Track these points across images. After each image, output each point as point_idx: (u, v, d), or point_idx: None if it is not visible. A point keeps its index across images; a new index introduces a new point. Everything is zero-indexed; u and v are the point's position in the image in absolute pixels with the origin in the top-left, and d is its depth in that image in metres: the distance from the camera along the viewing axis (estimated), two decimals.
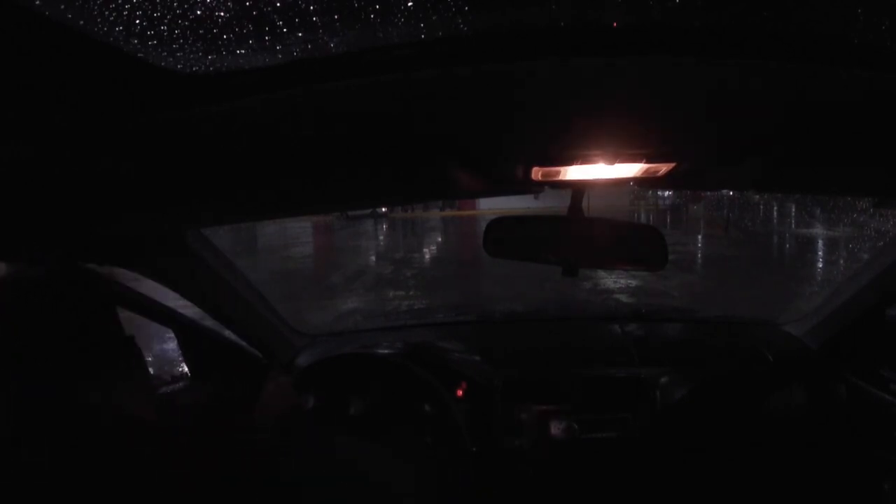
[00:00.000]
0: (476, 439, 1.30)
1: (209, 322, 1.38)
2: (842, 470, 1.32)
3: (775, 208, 14.74)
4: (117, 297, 1.20)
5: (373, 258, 10.64)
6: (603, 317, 1.91)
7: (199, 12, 0.37)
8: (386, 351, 1.51)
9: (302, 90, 0.45)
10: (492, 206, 14.31)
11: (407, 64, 0.43)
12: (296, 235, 13.50)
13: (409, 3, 0.37)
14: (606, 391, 1.46)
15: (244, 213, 0.95)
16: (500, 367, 1.50)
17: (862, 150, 0.64)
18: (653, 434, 1.41)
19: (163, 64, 0.41)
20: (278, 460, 0.85)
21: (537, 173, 0.76)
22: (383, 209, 16.91)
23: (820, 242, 10.16)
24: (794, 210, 13.42)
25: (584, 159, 0.70)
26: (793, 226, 12.72)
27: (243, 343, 1.46)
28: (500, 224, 1.08)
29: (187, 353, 1.42)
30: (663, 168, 0.76)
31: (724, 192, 9.66)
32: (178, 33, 0.38)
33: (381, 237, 14.60)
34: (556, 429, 1.42)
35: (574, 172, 0.76)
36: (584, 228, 1.00)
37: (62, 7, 0.35)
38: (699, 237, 11.73)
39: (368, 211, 16.51)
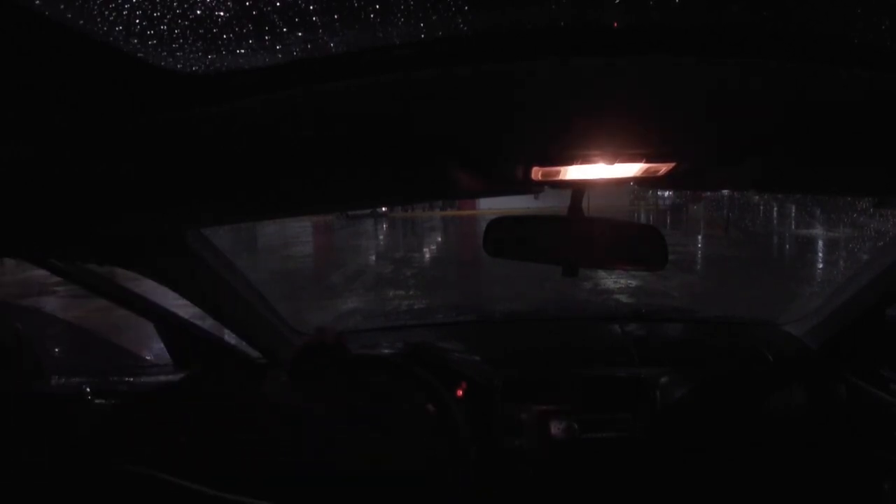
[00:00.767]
0: (476, 439, 1.30)
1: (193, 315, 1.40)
2: (842, 470, 1.32)
3: (775, 209, 14.74)
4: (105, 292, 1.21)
5: (373, 258, 10.64)
6: (603, 317, 1.91)
7: (199, 12, 0.37)
8: (386, 351, 1.51)
9: (302, 90, 0.45)
10: (492, 206, 14.30)
11: (407, 64, 0.43)
12: (296, 235, 13.50)
13: (410, 3, 0.37)
14: (606, 391, 1.46)
15: (244, 213, 0.95)
16: (500, 367, 1.50)
17: (862, 150, 0.64)
18: (653, 434, 1.41)
19: (163, 64, 0.41)
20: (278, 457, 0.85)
21: (537, 173, 0.76)
22: (383, 209, 16.92)
23: (820, 243, 10.16)
24: (794, 211, 13.41)
25: (584, 159, 0.70)
26: (793, 226, 12.71)
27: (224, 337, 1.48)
28: (500, 224, 1.08)
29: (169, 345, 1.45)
30: (663, 168, 0.76)
31: (724, 192, 9.67)
32: (177, 33, 0.38)
33: (381, 237, 14.60)
34: (556, 429, 1.42)
35: (574, 172, 0.76)
36: (583, 228, 1.00)
37: (62, 7, 0.35)
38: (699, 237, 11.73)
39: (368, 211, 16.51)
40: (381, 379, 1.41)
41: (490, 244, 1.07)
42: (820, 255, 9.15)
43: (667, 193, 16.12)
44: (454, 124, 0.60)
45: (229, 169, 0.63)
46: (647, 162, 0.72)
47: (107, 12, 0.36)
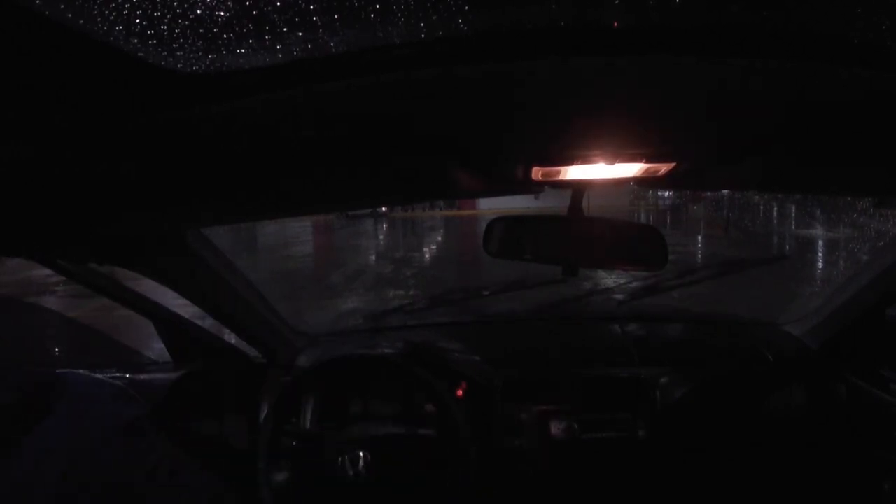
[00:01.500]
0: (476, 439, 1.30)
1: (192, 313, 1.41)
2: (842, 470, 1.32)
3: (775, 209, 14.72)
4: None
5: (373, 257, 10.63)
6: (603, 317, 1.91)
7: (199, 12, 0.37)
8: (386, 351, 1.52)
9: (302, 90, 0.45)
10: (492, 206, 14.28)
11: (407, 64, 0.43)
12: (296, 234, 13.49)
13: (410, 3, 0.37)
14: (607, 391, 1.46)
15: (244, 213, 0.95)
16: (500, 367, 1.50)
17: (862, 149, 0.64)
18: (653, 434, 1.41)
19: (163, 64, 0.41)
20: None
21: (537, 173, 0.76)
22: (383, 209, 16.92)
23: (820, 243, 10.15)
24: (794, 211, 13.40)
25: (584, 159, 0.70)
26: (793, 226, 12.70)
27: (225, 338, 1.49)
28: (500, 224, 1.08)
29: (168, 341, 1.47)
30: (663, 168, 0.76)
31: (724, 192, 9.67)
32: (178, 33, 0.38)
33: (381, 236, 14.60)
34: (556, 429, 1.42)
35: (574, 172, 0.76)
36: (584, 228, 1.00)
37: (62, 7, 0.35)
38: (699, 237, 11.72)
39: (368, 210, 16.50)
40: (381, 379, 1.41)
41: (490, 244, 1.07)
42: (820, 255, 9.14)
43: (667, 193, 16.10)
44: (454, 124, 0.60)
45: (230, 169, 0.63)
46: (647, 162, 0.72)
47: (107, 12, 0.36)
